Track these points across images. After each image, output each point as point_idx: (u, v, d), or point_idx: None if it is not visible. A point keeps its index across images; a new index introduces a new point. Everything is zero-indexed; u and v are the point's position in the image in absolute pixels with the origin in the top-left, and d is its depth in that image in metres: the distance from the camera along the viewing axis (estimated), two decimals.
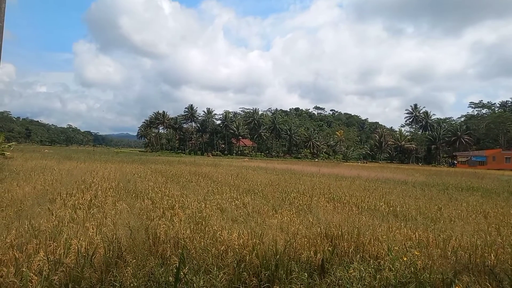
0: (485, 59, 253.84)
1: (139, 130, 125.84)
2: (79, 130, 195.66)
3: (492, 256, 5.28)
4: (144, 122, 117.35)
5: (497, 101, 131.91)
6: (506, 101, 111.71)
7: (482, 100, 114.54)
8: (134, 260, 4.65)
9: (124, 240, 5.43)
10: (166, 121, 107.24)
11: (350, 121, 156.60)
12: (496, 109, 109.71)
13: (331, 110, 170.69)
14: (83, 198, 9.27)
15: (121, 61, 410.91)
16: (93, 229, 6.09)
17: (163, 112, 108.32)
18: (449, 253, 5.47)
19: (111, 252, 4.82)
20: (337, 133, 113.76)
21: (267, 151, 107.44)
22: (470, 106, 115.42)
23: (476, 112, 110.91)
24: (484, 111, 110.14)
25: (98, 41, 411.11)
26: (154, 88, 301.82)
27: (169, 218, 7.26)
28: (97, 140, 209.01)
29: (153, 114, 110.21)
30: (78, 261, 4.44)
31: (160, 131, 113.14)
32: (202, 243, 5.39)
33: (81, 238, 5.38)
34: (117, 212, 7.82)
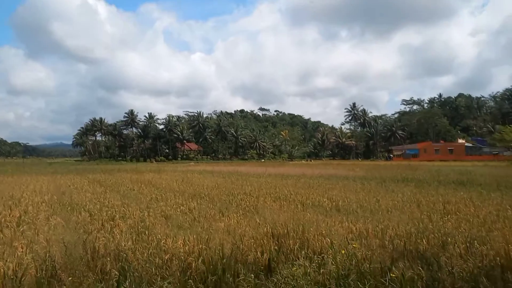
0: (412, 61, 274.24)
1: (74, 138, 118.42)
2: (6, 141, 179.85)
3: (424, 241, 5.68)
4: (80, 130, 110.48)
5: (425, 98, 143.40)
6: (434, 97, 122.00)
7: (412, 97, 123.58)
8: (70, 278, 4.34)
9: (58, 257, 5.07)
10: (104, 127, 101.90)
11: (294, 121, 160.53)
12: (425, 105, 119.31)
13: (275, 111, 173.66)
14: (11, 215, 8.52)
15: (54, 67, 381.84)
16: (22, 248, 5.60)
17: (101, 118, 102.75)
18: (387, 242, 5.78)
19: (43, 271, 4.47)
20: (282, 133, 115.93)
21: (213, 154, 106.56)
22: (402, 103, 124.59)
23: (408, 109, 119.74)
24: (415, 107, 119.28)
25: (28, 46, 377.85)
26: (91, 94, 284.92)
27: (109, 230, 6.89)
28: (28, 151, 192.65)
29: (90, 121, 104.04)
30: (5, 285, 4.04)
31: (97, 138, 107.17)
32: (145, 253, 5.17)
33: (8, 260, 4.91)
34: (50, 228, 7.29)
